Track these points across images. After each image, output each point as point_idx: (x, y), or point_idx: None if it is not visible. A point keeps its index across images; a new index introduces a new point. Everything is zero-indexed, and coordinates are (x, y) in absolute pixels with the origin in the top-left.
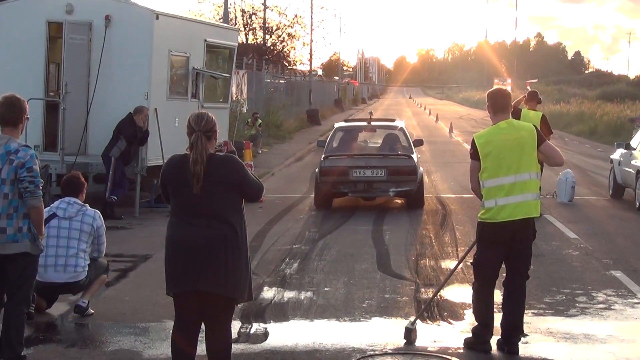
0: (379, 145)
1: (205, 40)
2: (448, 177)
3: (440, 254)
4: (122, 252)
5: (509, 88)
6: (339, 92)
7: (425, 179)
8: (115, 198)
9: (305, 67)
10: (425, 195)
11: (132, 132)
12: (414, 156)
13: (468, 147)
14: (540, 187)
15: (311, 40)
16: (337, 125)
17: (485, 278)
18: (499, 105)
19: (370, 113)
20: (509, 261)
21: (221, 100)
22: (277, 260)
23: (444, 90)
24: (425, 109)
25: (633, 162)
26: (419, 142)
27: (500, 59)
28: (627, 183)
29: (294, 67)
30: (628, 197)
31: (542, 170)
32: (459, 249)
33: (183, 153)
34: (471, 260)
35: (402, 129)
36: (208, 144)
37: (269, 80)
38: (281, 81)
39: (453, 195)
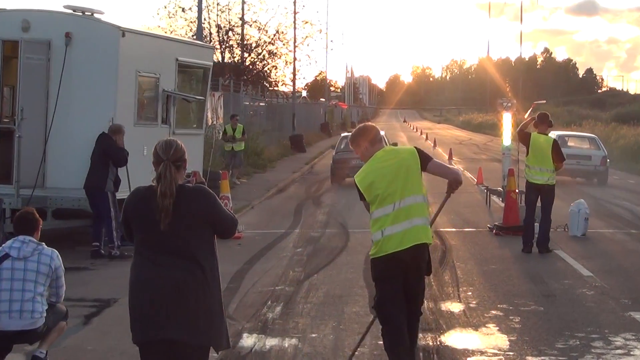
0: None
1: (177, 60)
2: (448, 210)
3: (439, 295)
4: (84, 295)
5: (513, 109)
6: (326, 116)
7: None
8: (118, 246)
9: (288, 88)
10: None
11: (120, 155)
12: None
13: (470, 175)
14: (428, 210)
15: (294, 59)
16: (342, 134)
17: (391, 319)
18: (369, 138)
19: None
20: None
21: (195, 125)
22: (257, 304)
23: (442, 112)
24: (421, 133)
25: None
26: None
27: (504, 77)
28: None
29: (276, 88)
30: None
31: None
32: (460, 289)
33: (148, 185)
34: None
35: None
36: (177, 175)
37: (247, 103)
38: (261, 104)
39: (453, 230)
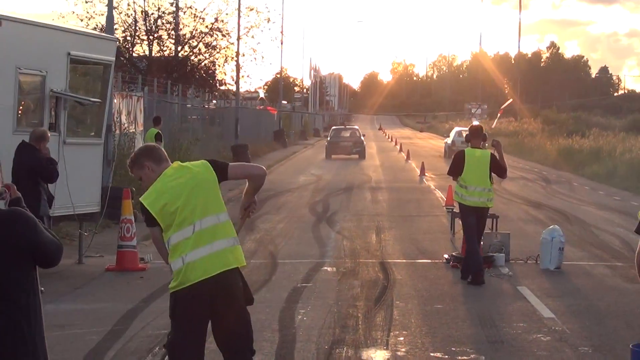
0: (349, 133)
1: (69, 54)
2: (403, 237)
3: (363, 341)
4: None
5: (483, 116)
6: (281, 122)
7: (372, 238)
8: None
9: (242, 89)
10: (365, 260)
11: (51, 169)
12: (362, 138)
13: (440, 194)
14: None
15: (237, 53)
16: (333, 127)
17: None
18: (153, 157)
19: (344, 123)
20: (219, 339)
21: (92, 133)
22: (142, 350)
23: (427, 118)
24: (396, 143)
25: None
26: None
27: (502, 76)
28: None
29: (226, 88)
30: None
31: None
32: (391, 333)
33: None
34: None
35: (357, 129)
36: None
37: (189, 105)
38: (188, 106)
39: (403, 261)
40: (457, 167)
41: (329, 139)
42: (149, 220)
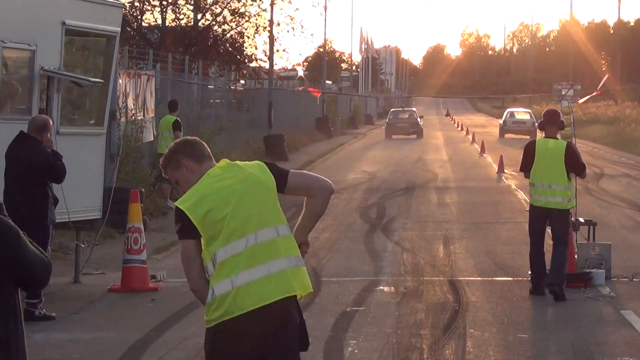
0: (407, 115)
1: (64, 24)
2: (478, 249)
3: None
4: None
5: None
6: (325, 107)
7: (439, 250)
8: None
9: (277, 66)
10: (430, 278)
11: (60, 166)
12: (419, 120)
13: (523, 195)
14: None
15: (271, 22)
16: (392, 110)
17: None
18: (194, 154)
19: (403, 107)
20: None
21: (92, 121)
22: None
23: (506, 102)
24: (467, 133)
25: None
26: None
27: (598, 49)
28: None
29: (256, 65)
30: None
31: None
32: None
33: None
34: None
35: (414, 111)
36: None
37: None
38: (210, 87)
39: (478, 279)
40: (527, 160)
41: (387, 120)
42: (186, 230)
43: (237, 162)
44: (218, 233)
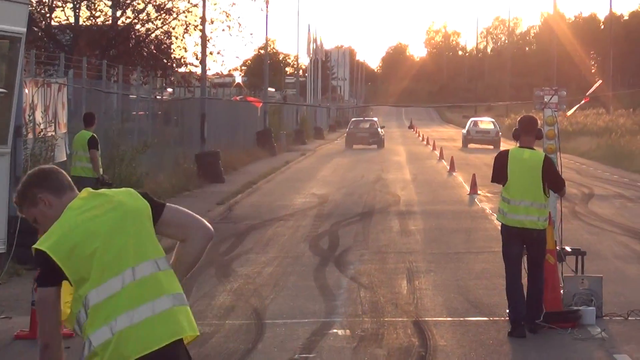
0: (368, 125)
1: None
2: (447, 284)
3: None
4: None
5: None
6: (267, 119)
7: (402, 286)
8: None
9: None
10: (392, 318)
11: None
12: (380, 130)
13: (496, 221)
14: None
15: (203, 19)
16: (352, 119)
17: None
18: (52, 186)
19: (364, 116)
20: None
21: None
22: None
23: (479, 111)
24: (434, 147)
25: None
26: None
27: (587, 48)
28: None
29: (186, 70)
30: None
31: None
32: None
33: None
34: None
35: (375, 120)
36: None
37: (117, 96)
38: (137, 98)
39: (448, 319)
40: (498, 172)
41: (348, 130)
42: (48, 275)
43: (103, 190)
44: (88, 272)
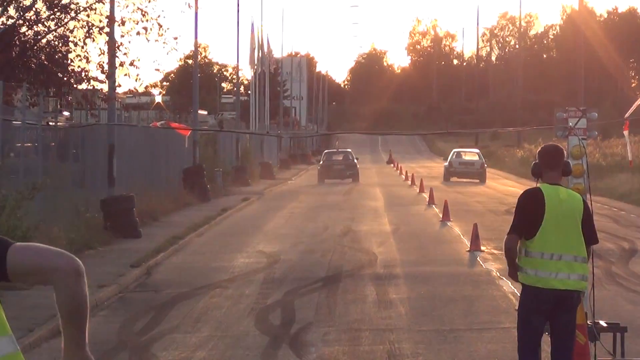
0: (341, 157)
1: None
2: None
3: None
4: None
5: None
6: (197, 152)
7: None
8: None
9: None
10: None
11: None
12: (355, 161)
13: (509, 286)
14: None
15: (111, 18)
16: (325, 151)
17: None
18: None
19: (337, 144)
20: None
21: None
22: None
23: (482, 138)
24: (422, 189)
25: None
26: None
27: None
28: None
29: (89, 86)
30: None
31: None
32: None
33: None
34: None
35: (350, 152)
36: None
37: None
38: (22, 126)
39: None
40: (529, 217)
41: (321, 162)
42: None
43: None
44: None
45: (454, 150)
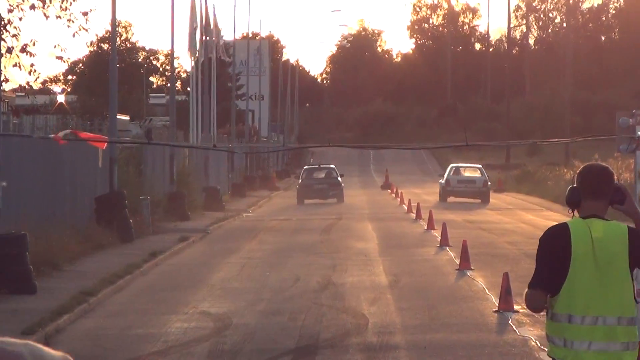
0: (324, 174)
1: None
2: None
3: None
4: None
5: None
6: (116, 174)
7: None
8: None
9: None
10: None
11: None
12: (340, 179)
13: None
14: None
15: None
16: (305, 167)
17: None
18: None
19: (319, 163)
20: None
21: None
22: None
23: (515, 153)
24: (430, 223)
25: None
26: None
27: None
28: None
29: None
30: None
31: None
32: None
33: None
34: None
35: (333, 168)
36: None
37: None
38: None
39: None
40: (549, 264)
41: (300, 181)
42: None
43: None
44: None
45: (452, 165)
